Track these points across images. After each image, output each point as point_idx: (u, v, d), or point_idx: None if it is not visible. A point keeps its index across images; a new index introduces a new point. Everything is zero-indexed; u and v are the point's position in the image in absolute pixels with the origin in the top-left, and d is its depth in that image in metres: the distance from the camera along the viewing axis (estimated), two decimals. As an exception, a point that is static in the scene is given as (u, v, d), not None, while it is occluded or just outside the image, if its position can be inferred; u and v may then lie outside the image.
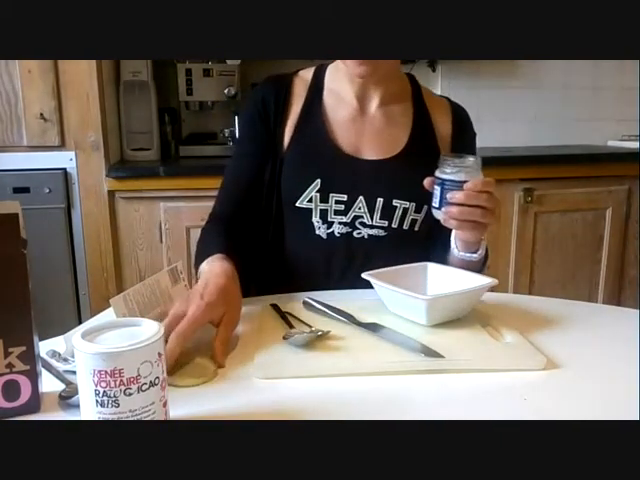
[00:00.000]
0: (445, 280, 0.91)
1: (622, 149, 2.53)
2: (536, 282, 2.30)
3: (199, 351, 0.76)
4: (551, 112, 2.74)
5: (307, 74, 1.13)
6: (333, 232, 1.06)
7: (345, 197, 1.05)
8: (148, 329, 0.55)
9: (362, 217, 1.06)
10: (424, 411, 0.63)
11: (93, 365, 0.51)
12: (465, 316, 0.85)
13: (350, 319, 0.84)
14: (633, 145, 2.54)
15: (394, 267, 0.93)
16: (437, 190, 0.89)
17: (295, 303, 0.92)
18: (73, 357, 0.56)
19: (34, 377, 0.61)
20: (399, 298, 0.84)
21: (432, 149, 1.09)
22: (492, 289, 0.87)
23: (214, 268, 0.86)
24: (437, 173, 0.90)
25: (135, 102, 2.17)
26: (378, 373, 0.70)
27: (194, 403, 0.64)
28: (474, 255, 0.95)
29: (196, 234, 2.08)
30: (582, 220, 2.29)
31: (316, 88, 1.11)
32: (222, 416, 0.61)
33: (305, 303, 0.91)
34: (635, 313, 0.91)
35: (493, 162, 2.18)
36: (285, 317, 0.85)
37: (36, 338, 0.62)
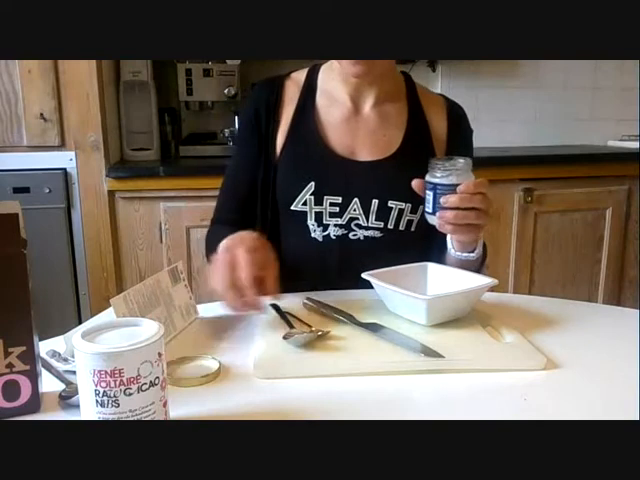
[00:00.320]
0: (445, 280, 0.91)
1: (622, 149, 2.53)
2: (536, 282, 2.30)
3: (200, 351, 0.76)
4: (551, 112, 2.74)
5: (300, 75, 1.13)
6: (329, 234, 1.06)
7: (339, 199, 1.05)
8: (148, 329, 0.55)
9: (357, 219, 1.05)
10: (424, 411, 0.63)
11: (93, 365, 0.51)
12: (465, 316, 0.85)
13: (350, 319, 0.84)
14: (633, 145, 2.54)
15: (394, 267, 0.93)
16: (429, 195, 0.88)
17: (295, 303, 0.92)
18: (73, 357, 0.56)
19: (34, 377, 0.61)
20: (399, 298, 0.84)
21: (427, 148, 1.08)
22: (492, 289, 0.87)
23: (239, 233, 0.87)
24: (428, 177, 0.89)
25: (135, 102, 2.17)
26: (378, 373, 0.70)
27: (194, 403, 0.64)
28: (471, 255, 0.95)
29: (196, 234, 2.09)
30: (582, 220, 2.29)
31: (309, 90, 1.10)
32: (222, 416, 0.61)
33: (305, 303, 0.91)
34: (635, 313, 0.91)
35: (493, 162, 2.18)
36: (285, 317, 0.85)
37: (36, 338, 0.62)
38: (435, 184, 0.87)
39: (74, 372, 0.60)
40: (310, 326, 0.82)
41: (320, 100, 1.10)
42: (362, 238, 1.06)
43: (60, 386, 0.67)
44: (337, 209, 1.05)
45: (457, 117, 1.13)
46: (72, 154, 1.94)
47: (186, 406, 0.63)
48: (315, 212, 1.05)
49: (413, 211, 1.06)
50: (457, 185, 0.85)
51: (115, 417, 0.52)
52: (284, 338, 0.76)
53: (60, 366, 0.71)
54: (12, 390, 0.60)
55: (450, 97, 1.16)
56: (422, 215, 1.05)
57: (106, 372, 0.51)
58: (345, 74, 1.04)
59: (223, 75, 2.25)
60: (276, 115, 1.09)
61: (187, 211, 2.00)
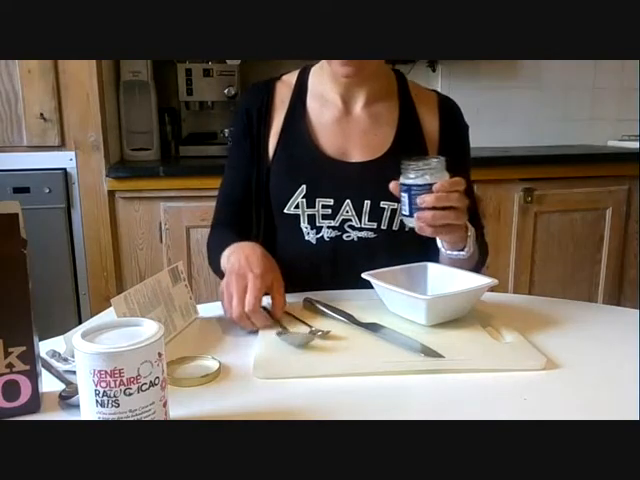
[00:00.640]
0: (445, 280, 0.91)
1: (622, 149, 2.53)
2: (536, 282, 2.30)
3: (200, 351, 0.76)
4: (551, 112, 2.74)
5: (291, 78, 1.13)
6: (322, 237, 1.06)
7: (331, 201, 1.04)
8: (148, 329, 0.55)
9: (350, 220, 1.05)
10: (424, 411, 0.63)
11: (93, 365, 0.51)
12: (465, 316, 0.85)
13: (350, 319, 0.84)
14: (633, 145, 2.53)
15: (394, 267, 0.93)
16: (404, 197, 0.86)
17: (295, 303, 0.92)
18: (73, 357, 0.56)
19: (34, 377, 0.61)
20: (399, 298, 0.84)
21: (419, 146, 1.08)
22: (492, 289, 0.87)
23: (242, 246, 0.91)
24: (401, 179, 0.86)
25: (135, 102, 2.17)
26: (378, 373, 0.70)
27: (194, 403, 0.64)
28: (462, 253, 0.94)
29: (196, 234, 2.09)
30: (582, 220, 2.29)
31: (300, 92, 1.10)
32: (222, 416, 0.61)
33: (305, 303, 0.91)
34: (635, 313, 0.91)
35: (493, 162, 2.18)
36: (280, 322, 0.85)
37: (36, 338, 0.62)
38: (409, 185, 0.85)
39: (74, 372, 0.60)
40: (310, 326, 0.82)
41: (311, 102, 1.09)
42: (356, 239, 1.06)
43: (60, 386, 0.67)
44: (329, 211, 1.05)
45: (449, 112, 1.12)
46: (72, 154, 1.94)
47: (186, 406, 0.63)
48: (308, 215, 1.05)
49: None
50: (432, 184, 0.83)
51: (115, 417, 0.52)
52: (277, 335, 0.77)
53: (60, 366, 0.71)
54: (12, 390, 0.60)
55: (450, 97, 1.15)
56: None
57: (106, 372, 0.51)
58: (334, 74, 1.04)
59: (223, 75, 2.25)
60: (267, 118, 1.09)
61: (187, 211, 2.00)
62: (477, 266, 1.04)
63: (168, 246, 2.03)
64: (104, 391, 0.52)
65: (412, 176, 0.85)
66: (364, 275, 0.88)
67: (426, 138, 1.09)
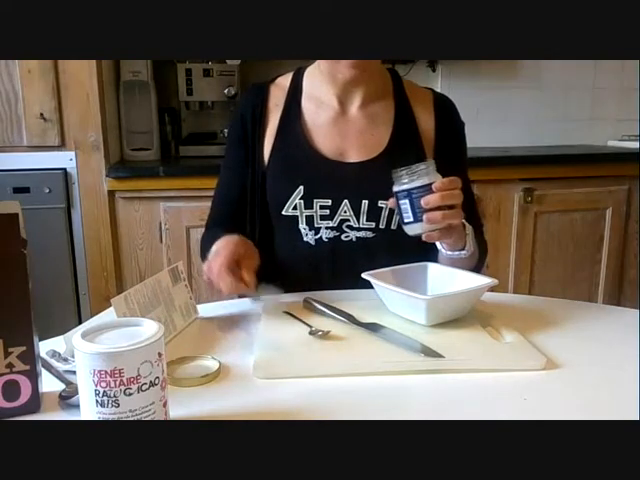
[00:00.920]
0: (445, 280, 0.91)
1: (622, 149, 2.53)
2: (536, 282, 2.30)
3: (200, 351, 0.76)
4: (551, 112, 2.74)
5: (285, 80, 1.13)
6: (321, 237, 1.06)
7: (329, 202, 1.04)
8: (148, 329, 0.55)
9: (349, 220, 1.05)
10: (424, 411, 0.63)
11: (93, 365, 0.51)
12: (465, 316, 0.85)
13: (350, 319, 0.84)
14: (633, 145, 2.53)
15: (394, 267, 0.93)
16: (405, 204, 0.85)
17: (295, 303, 0.92)
18: (73, 357, 0.56)
19: (34, 377, 0.61)
20: (399, 298, 0.84)
21: (415, 145, 1.08)
22: (492, 289, 0.87)
23: (225, 237, 0.93)
24: (397, 188, 0.86)
25: (135, 102, 2.17)
26: (378, 373, 0.70)
27: (194, 403, 0.64)
28: (462, 252, 0.94)
29: (196, 234, 2.09)
30: (582, 220, 2.29)
31: (294, 93, 1.10)
32: (222, 416, 0.61)
33: (305, 303, 0.91)
34: (635, 313, 0.91)
35: (493, 162, 2.18)
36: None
37: (36, 338, 0.62)
38: (409, 190, 0.84)
39: (74, 372, 0.60)
40: (310, 326, 0.82)
41: (306, 103, 1.09)
42: (354, 239, 1.06)
43: (60, 386, 0.67)
44: (327, 212, 1.05)
45: (445, 110, 1.12)
46: (72, 154, 1.94)
47: (186, 406, 0.63)
48: (306, 216, 1.05)
49: None
50: (431, 184, 0.83)
51: (115, 417, 0.52)
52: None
53: (60, 366, 0.71)
54: (12, 390, 0.60)
55: (450, 97, 1.16)
56: None
57: (106, 372, 0.51)
58: (333, 75, 1.04)
59: (223, 75, 2.25)
60: (262, 121, 1.09)
61: (187, 211, 2.00)
62: (477, 265, 1.04)
63: (168, 246, 2.03)
64: (104, 391, 0.52)
65: (407, 180, 0.85)
66: (364, 275, 0.88)
67: (422, 137, 1.09)
